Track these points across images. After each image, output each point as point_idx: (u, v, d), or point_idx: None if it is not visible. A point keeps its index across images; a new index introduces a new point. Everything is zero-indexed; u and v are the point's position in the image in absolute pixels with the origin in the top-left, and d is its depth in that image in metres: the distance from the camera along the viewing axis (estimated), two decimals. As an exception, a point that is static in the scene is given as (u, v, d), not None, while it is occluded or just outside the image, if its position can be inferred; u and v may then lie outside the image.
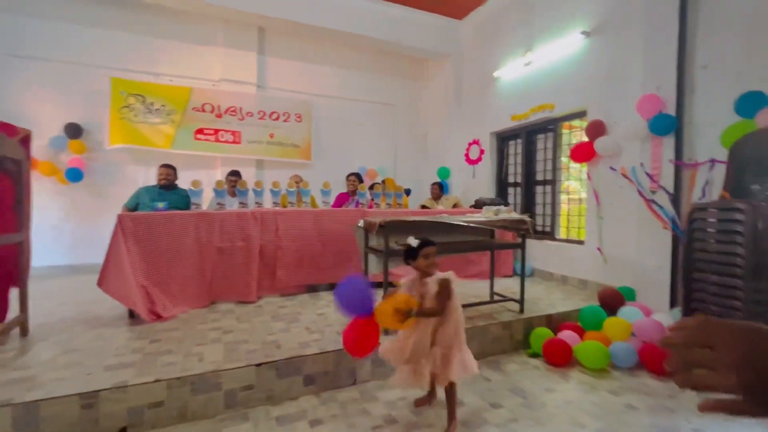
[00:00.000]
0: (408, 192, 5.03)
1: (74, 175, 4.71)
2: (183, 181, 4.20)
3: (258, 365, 2.09)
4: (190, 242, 3.12)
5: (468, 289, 3.77)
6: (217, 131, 5.41)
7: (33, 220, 2.66)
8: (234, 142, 5.51)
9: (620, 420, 1.99)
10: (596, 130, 3.73)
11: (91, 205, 4.93)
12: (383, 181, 5.53)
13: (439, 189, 5.39)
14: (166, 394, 1.90)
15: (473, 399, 2.18)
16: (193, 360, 2.13)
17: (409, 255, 1.86)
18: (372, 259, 2.89)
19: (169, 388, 1.90)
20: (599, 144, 3.67)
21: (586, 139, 3.88)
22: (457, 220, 2.81)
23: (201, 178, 4.64)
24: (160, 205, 3.44)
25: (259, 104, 5.66)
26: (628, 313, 2.85)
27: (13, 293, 2.54)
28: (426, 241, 1.85)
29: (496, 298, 3.25)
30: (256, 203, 3.68)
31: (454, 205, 5.17)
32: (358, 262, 3.56)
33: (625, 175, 3.41)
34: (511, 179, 5.35)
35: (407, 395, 2.20)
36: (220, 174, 5.38)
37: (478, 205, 4.73)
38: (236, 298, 3.24)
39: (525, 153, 4.98)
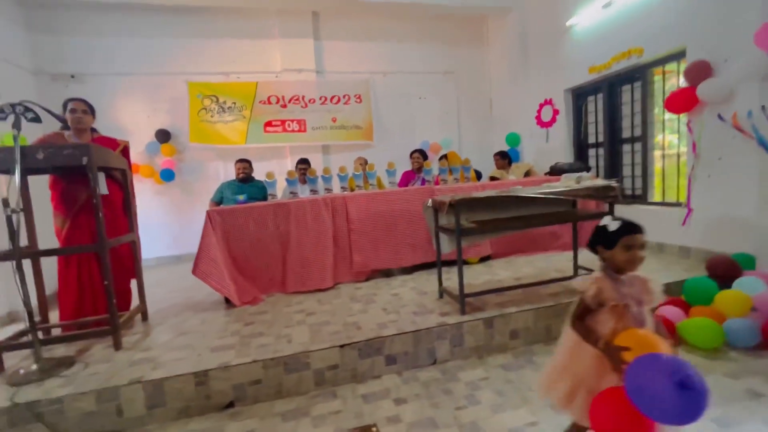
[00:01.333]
0: (479, 176, 4.80)
1: (168, 175, 5.27)
2: (258, 173, 4.48)
3: (341, 346, 2.19)
4: (269, 231, 3.33)
5: (550, 263, 3.57)
6: (283, 122, 5.63)
7: (139, 217, 3.03)
8: (300, 130, 5.70)
9: (742, 407, 1.74)
10: (699, 72, 3.17)
11: (184, 200, 5.50)
12: (445, 156, 5.34)
13: (503, 158, 5.05)
14: (263, 373, 2.08)
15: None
16: (283, 341, 2.30)
17: (604, 241, 1.32)
18: (443, 238, 2.84)
19: (264, 367, 2.08)
20: (703, 88, 3.12)
21: (684, 84, 3.33)
22: (533, 192, 2.61)
23: (273, 168, 4.91)
24: (241, 197, 3.71)
25: (319, 90, 5.75)
26: (746, 284, 2.45)
27: (133, 284, 2.94)
28: (630, 226, 1.29)
29: (580, 272, 3.01)
30: (326, 189, 3.79)
31: (527, 173, 4.84)
32: (431, 241, 3.52)
33: (737, 127, 2.88)
34: (591, 139, 4.84)
35: (489, 375, 2.16)
36: (289, 163, 5.64)
37: (555, 171, 4.36)
38: (315, 285, 3.35)
39: (607, 108, 4.44)
